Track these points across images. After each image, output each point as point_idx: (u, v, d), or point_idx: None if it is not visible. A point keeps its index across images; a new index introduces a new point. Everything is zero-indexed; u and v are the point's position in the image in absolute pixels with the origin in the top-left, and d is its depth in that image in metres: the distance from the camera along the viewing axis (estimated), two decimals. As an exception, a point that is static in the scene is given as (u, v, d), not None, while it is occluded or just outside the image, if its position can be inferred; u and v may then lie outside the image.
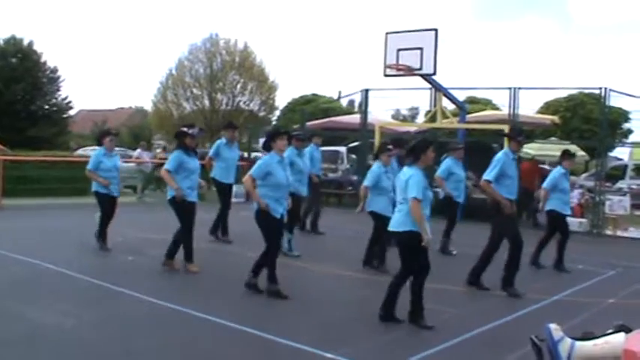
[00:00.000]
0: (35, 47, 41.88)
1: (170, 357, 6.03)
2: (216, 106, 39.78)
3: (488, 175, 8.93)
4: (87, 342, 6.28)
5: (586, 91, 29.12)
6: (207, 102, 40.00)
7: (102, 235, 11.14)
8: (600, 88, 19.03)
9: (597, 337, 5.36)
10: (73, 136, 46.04)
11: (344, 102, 42.21)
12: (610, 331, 5.35)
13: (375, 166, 10.38)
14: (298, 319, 7.52)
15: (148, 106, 46.33)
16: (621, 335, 5.19)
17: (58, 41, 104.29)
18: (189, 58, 40.25)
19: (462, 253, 11.97)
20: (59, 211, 17.39)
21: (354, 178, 22.49)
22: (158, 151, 29.41)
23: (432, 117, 19.86)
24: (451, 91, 19.20)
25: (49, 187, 20.04)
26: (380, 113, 24.92)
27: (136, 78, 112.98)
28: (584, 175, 24.32)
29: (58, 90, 43.10)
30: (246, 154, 23.77)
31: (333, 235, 14.37)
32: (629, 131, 30.31)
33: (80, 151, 32.54)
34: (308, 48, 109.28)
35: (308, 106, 35.02)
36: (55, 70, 42.85)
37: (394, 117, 36.94)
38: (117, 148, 12.01)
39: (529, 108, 22.97)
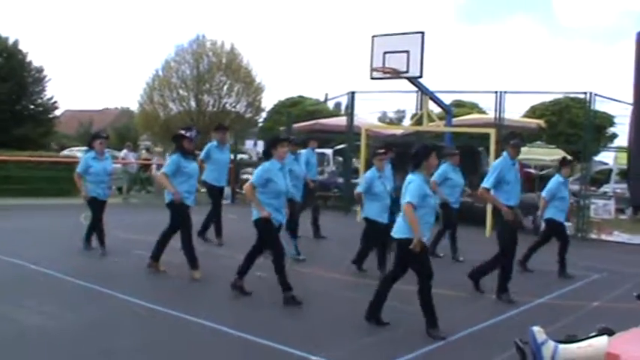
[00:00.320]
0: (20, 47, 41.65)
1: (152, 357, 6.02)
2: (203, 108, 39.67)
3: (486, 182, 8.97)
4: (70, 343, 6.26)
5: (571, 95, 29.27)
6: (193, 103, 39.90)
7: (88, 237, 11.11)
8: (585, 93, 19.14)
9: (581, 340, 5.38)
10: (59, 136, 45.78)
11: (330, 104, 42.21)
12: (593, 334, 5.37)
13: (369, 172, 10.38)
14: (283, 321, 7.52)
15: (134, 107, 46.21)
16: (604, 338, 5.20)
17: (44, 41, 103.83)
18: (176, 59, 40.15)
19: (449, 256, 12.05)
20: (44, 211, 17.32)
21: (340, 180, 22.49)
22: (143, 152, 29.33)
23: (418, 120, 19.87)
24: (437, 95, 19.23)
25: (33, 188, 19.95)
26: (366, 116, 24.98)
27: (121, 78, 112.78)
28: (569, 179, 24.38)
29: (44, 90, 42.80)
30: (232, 156, 23.71)
31: (318, 236, 14.33)
32: (614, 135, 30.49)
33: (66, 152, 32.37)
34: (295, 50, 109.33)
35: (294, 109, 35.05)
36: (40, 70, 42.58)
37: (380, 120, 37.04)
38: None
39: (515, 112, 22.96)
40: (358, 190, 10.48)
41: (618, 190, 21.16)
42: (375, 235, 10.26)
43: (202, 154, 12.41)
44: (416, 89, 19.27)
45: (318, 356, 6.04)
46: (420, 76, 17.71)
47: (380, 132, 24.62)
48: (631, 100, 4.60)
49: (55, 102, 43.63)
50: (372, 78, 18.38)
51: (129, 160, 23.33)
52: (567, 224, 12.67)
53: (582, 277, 11.04)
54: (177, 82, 39.83)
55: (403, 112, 46.91)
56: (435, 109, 20.67)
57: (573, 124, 28.92)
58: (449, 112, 19.93)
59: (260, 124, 42.49)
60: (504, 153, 9.28)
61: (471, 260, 11.02)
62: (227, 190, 13.86)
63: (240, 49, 50.36)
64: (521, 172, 18.34)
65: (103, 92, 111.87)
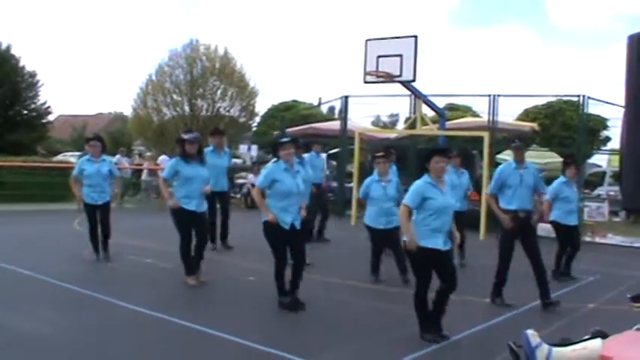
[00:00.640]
0: (13, 51, 41.60)
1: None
2: (197, 112, 39.58)
3: (489, 188, 9.09)
4: (64, 349, 6.25)
5: (565, 98, 29.28)
6: (187, 108, 39.81)
7: (92, 243, 11.01)
8: (579, 96, 19.19)
9: (575, 343, 5.39)
10: (52, 141, 45.69)
11: (324, 108, 42.19)
12: (587, 336, 5.39)
13: (369, 177, 10.41)
14: (278, 325, 7.52)
15: (128, 112, 46.06)
16: (598, 341, 5.22)
17: (37, 46, 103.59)
18: (170, 64, 40.03)
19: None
20: (38, 217, 17.29)
21: (334, 184, 22.49)
22: (137, 157, 29.32)
23: (411, 124, 19.90)
24: (431, 98, 19.25)
25: (27, 193, 19.91)
26: (360, 120, 24.99)
27: (115, 83, 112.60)
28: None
29: (37, 95, 42.76)
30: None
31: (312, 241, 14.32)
32: (608, 138, 30.47)
33: (60, 157, 32.32)
34: (288, 54, 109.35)
35: (288, 113, 34.97)
36: (33, 75, 42.52)
37: (374, 123, 37.05)
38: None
39: (508, 115, 23.04)
40: (359, 195, 10.52)
41: (612, 193, 21.21)
42: (372, 240, 10.30)
43: None
44: (409, 93, 19.30)
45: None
46: (414, 80, 17.71)
47: (373, 136, 24.63)
48: (623, 102, 4.61)
49: (49, 107, 43.61)
50: (366, 82, 18.38)
51: (122, 165, 23.29)
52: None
53: (576, 279, 11.04)
54: (171, 86, 39.72)
55: (397, 115, 46.98)
56: (429, 113, 20.68)
57: (567, 127, 28.89)
58: (442, 115, 19.95)
59: (254, 129, 42.39)
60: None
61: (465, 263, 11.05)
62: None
63: (234, 53, 50.28)
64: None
65: (97, 97, 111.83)
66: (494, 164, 18.23)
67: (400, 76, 17.57)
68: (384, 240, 10.23)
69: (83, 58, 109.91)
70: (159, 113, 40.11)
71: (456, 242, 6.99)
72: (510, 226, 8.75)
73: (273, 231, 8.01)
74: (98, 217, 10.91)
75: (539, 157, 22.77)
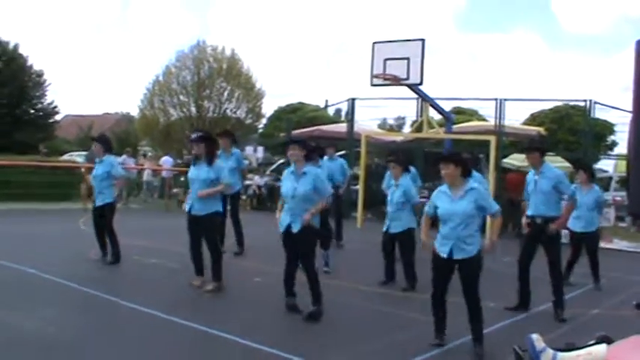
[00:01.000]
0: (21, 51, 41.70)
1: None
2: (203, 114, 39.62)
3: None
4: (67, 348, 6.25)
5: (571, 103, 29.27)
6: (193, 109, 39.85)
7: (98, 242, 10.94)
8: (585, 101, 19.18)
9: (579, 348, 5.38)
10: (59, 141, 45.76)
11: (331, 111, 42.22)
12: (592, 342, 5.38)
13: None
14: (283, 326, 7.52)
15: (135, 112, 46.10)
16: (603, 346, 5.21)
17: (44, 45, 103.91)
18: (176, 65, 40.08)
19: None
20: (43, 216, 17.32)
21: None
22: (142, 158, 29.38)
23: (418, 127, 19.89)
24: (438, 102, 19.24)
25: (33, 192, 19.96)
26: (366, 122, 25.00)
27: (122, 84, 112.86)
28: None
29: (44, 94, 42.87)
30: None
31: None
32: (614, 143, 30.45)
33: (66, 157, 32.37)
34: (295, 56, 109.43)
35: (294, 115, 35.03)
36: (40, 74, 42.60)
37: (380, 126, 36.98)
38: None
39: (515, 119, 23.04)
40: None
41: (618, 198, 21.15)
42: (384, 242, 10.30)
43: None
44: (416, 96, 19.28)
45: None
46: (421, 83, 17.70)
47: (380, 139, 24.64)
48: (630, 107, 4.60)
49: (56, 107, 43.70)
50: (373, 85, 18.37)
51: (128, 166, 23.33)
52: (567, 232, 12.64)
53: (581, 284, 10.99)
54: (178, 87, 39.76)
55: (403, 118, 46.99)
56: (435, 116, 20.68)
57: (573, 132, 28.89)
58: (449, 119, 19.94)
59: (260, 130, 42.43)
60: None
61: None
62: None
63: (241, 54, 50.41)
64: (522, 179, 18.39)
65: (104, 97, 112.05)
66: (500, 169, 18.25)
67: (407, 79, 17.55)
68: (385, 243, 10.21)
69: (90, 58, 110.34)
70: (165, 114, 40.16)
71: (487, 249, 6.81)
72: (527, 232, 8.79)
73: (282, 232, 8.06)
74: (97, 219, 10.83)
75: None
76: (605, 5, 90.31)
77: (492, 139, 17.19)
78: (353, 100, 22.29)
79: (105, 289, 8.54)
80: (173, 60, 40.44)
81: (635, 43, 4.48)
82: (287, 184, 8.04)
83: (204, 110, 39.64)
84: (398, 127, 47.39)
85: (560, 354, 5.41)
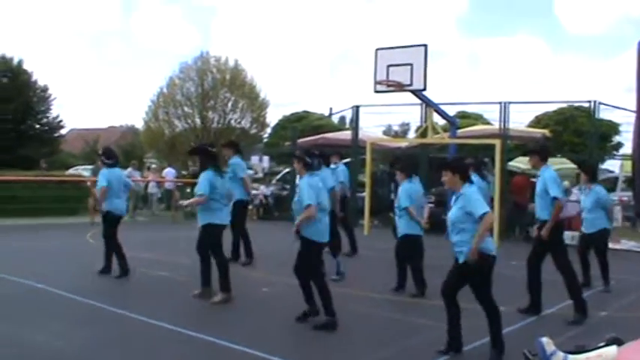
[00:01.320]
0: (25, 66, 41.85)
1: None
2: (208, 125, 39.69)
3: None
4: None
5: (576, 104, 29.23)
6: (198, 120, 39.93)
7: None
8: (590, 102, 19.15)
9: (590, 351, 5.35)
10: (64, 155, 45.89)
11: (335, 119, 42.19)
12: (602, 344, 5.34)
13: None
14: (291, 336, 7.51)
15: (140, 125, 46.20)
16: (614, 348, 5.18)
17: (49, 60, 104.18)
18: (180, 76, 40.20)
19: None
20: (50, 231, 17.34)
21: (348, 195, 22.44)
22: (146, 170, 29.41)
23: (422, 132, 19.88)
24: (442, 107, 19.23)
25: (39, 207, 19.98)
26: (371, 129, 25.00)
27: (126, 96, 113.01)
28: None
29: (49, 109, 43.01)
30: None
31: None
32: (620, 144, 30.37)
33: (72, 171, 32.45)
34: (299, 65, 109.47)
35: (299, 124, 35.01)
36: (45, 89, 42.76)
37: (385, 133, 36.99)
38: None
39: (519, 122, 23.03)
40: None
41: (625, 199, 21.08)
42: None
43: None
44: (420, 102, 19.27)
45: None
46: (424, 89, 17.69)
47: (385, 145, 24.63)
48: (634, 107, 4.59)
49: (61, 121, 43.85)
50: (376, 91, 18.36)
51: (134, 178, 23.33)
52: (575, 234, 12.59)
53: (590, 286, 10.96)
54: (182, 99, 39.87)
55: (408, 124, 46.99)
56: (440, 121, 20.66)
57: (578, 134, 28.83)
58: (453, 123, 19.93)
59: (265, 140, 42.46)
60: None
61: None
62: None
63: (245, 64, 50.49)
64: (527, 183, 18.36)
65: (109, 110, 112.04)
66: (506, 172, 18.22)
67: (411, 85, 17.54)
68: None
69: (95, 72, 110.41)
70: (170, 126, 40.25)
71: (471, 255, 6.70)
72: (535, 234, 8.87)
73: None
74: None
75: (552, 164, 22.70)
76: (607, 6, 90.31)
77: (497, 142, 17.17)
78: (357, 107, 22.30)
79: (112, 302, 8.54)
80: (177, 71, 40.57)
81: (637, 44, 4.47)
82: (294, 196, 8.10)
83: (208, 121, 39.72)
84: (403, 133, 47.45)
85: (571, 356, 5.39)
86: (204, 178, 9.08)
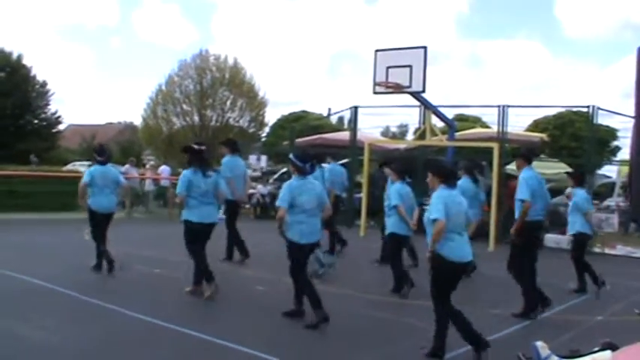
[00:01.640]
0: (24, 61, 41.83)
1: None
2: (206, 123, 39.72)
3: None
4: (73, 358, 6.25)
5: (574, 109, 29.26)
6: (196, 118, 39.95)
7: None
8: (588, 107, 19.14)
9: (584, 355, 5.37)
10: (62, 151, 45.86)
11: (333, 119, 42.23)
12: (597, 348, 5.37)
13: None
14: (286, 335, 7.51)
15: (138, 122, 46.21)
16: (608, 353, 5.19)
17: (47, 55, 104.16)
18: (179, 74, 40.23)
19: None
20: (47, 226, 17.32)
21: (344, 194, 22.45)
22: (143, 167, 29.36)
23: (421, 134, 19.89)
24: (440, 109, 19.25)
25: (37, 202, 19.96)
26: (369, 130, 25.00)
27: (125, 93, 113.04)
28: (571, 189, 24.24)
29: (48, 104, 43.03)
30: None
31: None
32: (618, 149, 30.43)
33: (69, 166, 32.42)
34: (298, 65, 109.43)
35: (298, 123, 35.05)
36: (44, 85, 42.78)
37: (383, 134, 37.02)
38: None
39: (518, 126, 23.02)
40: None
41: (622, 204, 21.11)
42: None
43: None
44: (419, 104, 19.29)
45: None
46: (423, 91, 17.72)
47: (383, 146, 24.64)
48: (633, 113, 4.61)
49: (59, 116, 43.90)
50: (375, 93, 18.40)
51: (132, 175, 23.30)
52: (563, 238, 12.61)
53: (586, 291, 10.97)
54: (181, 96, 39.90)
55: (406, 126, 47.16)
56: (438, 124, 20.68)
57: (576, 138, 28.91)
58: (452, 126, 19.94)
59: (263, 139, 42.49)
60: None
61: (474, 274, 10.99)
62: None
63: (244, 63, 50.40)
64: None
65: (107, 107, 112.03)
66: (504, 175, 18.23)
67: (409, 86, 17.57)
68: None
69: (93, 68, 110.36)
70: (168, 123, 40.28)
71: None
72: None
73: None
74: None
75: (549, 168, 22.75)
76: (608, 10, 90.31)
77: (495, 146, 17.19)
78: (356, 108, 22.30)
79: (109, 299, 8.53)
80: (176, 69, 40.60)
81: (637, 50, 4.49)
82: None
83: (206, 119, 39.76)
84: (401, 134, 47.50)
85: (565, 361, 5.41)
86: (181, 177, 9.16)
